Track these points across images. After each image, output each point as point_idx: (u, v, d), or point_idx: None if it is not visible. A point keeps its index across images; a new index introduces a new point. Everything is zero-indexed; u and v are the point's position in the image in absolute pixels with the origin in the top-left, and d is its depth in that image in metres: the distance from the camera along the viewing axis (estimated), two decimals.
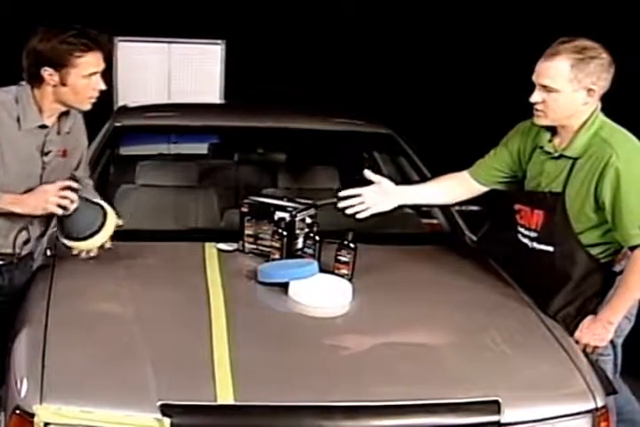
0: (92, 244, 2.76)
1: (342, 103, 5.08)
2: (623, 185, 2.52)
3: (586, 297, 2.71)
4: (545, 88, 2.57)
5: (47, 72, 2.58)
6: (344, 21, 7.55)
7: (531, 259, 2.80)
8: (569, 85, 2.54)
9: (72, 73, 2.57)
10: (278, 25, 7.54)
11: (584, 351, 2.65)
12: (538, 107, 2.62)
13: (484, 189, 2.94)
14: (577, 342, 2.65)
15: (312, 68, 7.51)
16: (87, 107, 2.69)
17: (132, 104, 4.60)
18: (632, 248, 2.58)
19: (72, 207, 2.65)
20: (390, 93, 7.28)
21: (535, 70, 2.60)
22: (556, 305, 2.73)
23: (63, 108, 2.70)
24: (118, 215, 2.85)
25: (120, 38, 7.81)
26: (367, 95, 6.92)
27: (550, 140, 2.72)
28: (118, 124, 3.85)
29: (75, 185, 2.67)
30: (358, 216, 2.84)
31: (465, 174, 2.94)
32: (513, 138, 2.87)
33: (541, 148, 2.74)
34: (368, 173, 2.89)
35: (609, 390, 2.45)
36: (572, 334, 2.68)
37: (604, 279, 2.70)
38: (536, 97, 2.60)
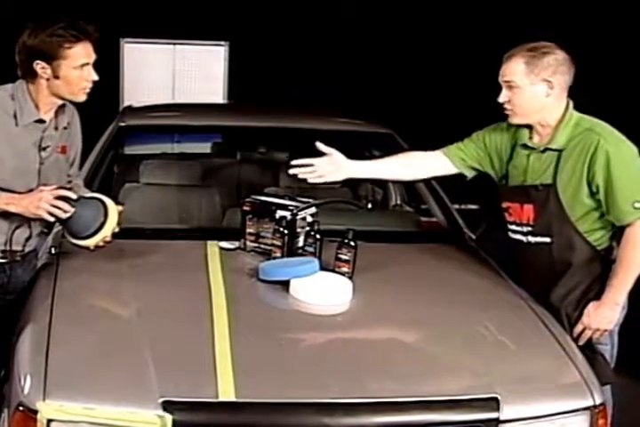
0: (101, 237, 2.74)
1: (343, 103, 5.10)
2: (614, 166, 2.64)
3: (586, 286, 2.77)
4: (508, 86, 2.75)
5: (39, 65, 2.60)
6: (344, 23, 7.57)
7: (528, 253, 2.86)
8: (527, 80, 2.71)
9: (63, 64, 2.59)
10: (280, 27, 7.58)
11: (589, 339, 2.73)
12: (506, 106, 2.79)
13: (452, 170, 3.01)
14: (584, 328, 2.73)
15: (313, 68, 7.53)
16: (82, 98, 2.69)
17: (137, 104, 4.63)
18: (625, 226, 2.68)
19: (63, 216, 2.65)
20: (390, 93, 7.29)
21: (499, 73, 2.78)
22: (558, 294, 2.79)
23: (59, 102, 2.71)
24: (116, 202, 2.84)
25: (126, 39, 7.86)
26: (367, 95, 6.94)
27: (530, 138, 2.83)
28: (123, 124, 3.87)
29: (72, 196, 2.67)
30: (310, 181, 2.95)
31: (437, 153, 3.02)
32: (491, 134, 2.97)
33: (523, 145, 2.84)
34: (319, 145, 2.95)
35: (609, 379, 2.53)
36: (575, 322, 2.75)
37: (602, 267, 2.76)
38: (502, 97, 2.78)
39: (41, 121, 2.69)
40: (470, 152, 2.98)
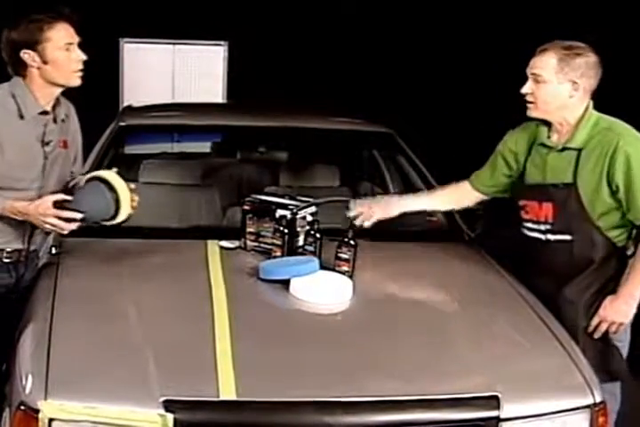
0: (128, 204, 2.71)
1: (343, 102, 5.10)
2: (634, 166, 2.68)
3: (603, 281, 2.81)
4: (535, 79, 2.78)
5: (26, 55, 2.62)
6: (344, 22, 7.57)
7: (546, 251, 2.88)
8: (555, 77, 2.75)
9: (48, 47, 2.62)
10: (279, 26, 7.58)
11: (606, 333, 2.78)
12: (528, 98, 2.81)
13: (485, 197, 3.11)
14: (601, 321, 2.78)
15: (313, 68, 7.54)
16: (76, 82, 2.70)
17: (136, 104, 4.63)
18: None
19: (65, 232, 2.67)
20: (391, 92, 7.29)
21: (529, 64, 2.82)
22: (577, 288, 2.82)
23: (56, 92, 2.72)
24: (118, 173, 2.78)
25: (126, 40, 7.88)
26: (368, 94, 6.95)
27: (549, 137, 2.86)
28: (123, 124, 3.87)
29: (77, 216, 2.62)
30: (365, 225, 3.06)
31: (466, 185, 3.11)
32: (507, 144, 3.01)
33: (542, 144, 2.87)
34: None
35: (624, 376, 2.68)
36: (592, 316, 2.79)
37: (619, 264, 2.81)
38: (526, 88, 2.81)
39: (45, 113, 2.71)
40: (493, 172, 3.04)
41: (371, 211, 3.06)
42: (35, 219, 2.63)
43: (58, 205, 2.60)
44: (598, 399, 2.32)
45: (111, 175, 2.72)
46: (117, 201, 2.68)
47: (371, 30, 7.63)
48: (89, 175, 2.81)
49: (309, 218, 3.05)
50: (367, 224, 3.06)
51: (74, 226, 2.65)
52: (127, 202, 2.71)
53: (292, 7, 7.53)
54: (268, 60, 7.63)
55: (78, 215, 2.63)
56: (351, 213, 3.04)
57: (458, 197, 3.14)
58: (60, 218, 2.61)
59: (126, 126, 3.87)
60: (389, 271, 2.94)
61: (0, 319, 2.68)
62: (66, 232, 2.68)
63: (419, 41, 7.40)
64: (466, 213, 3.37)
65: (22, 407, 2.13)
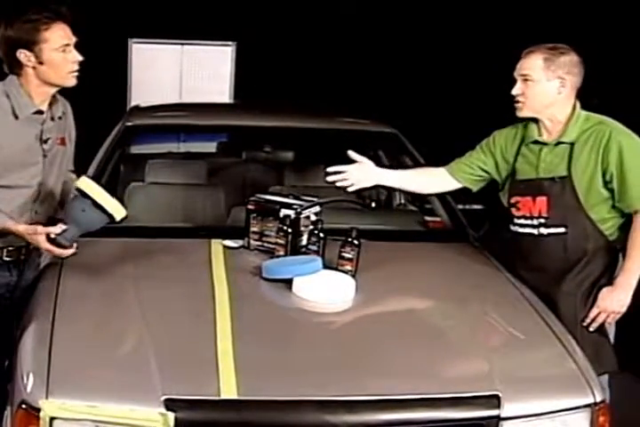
0: (116, 211, 2.62)
1: (348, 103, 5.10)
2: (626, 155, 2.78)
3: (599, 273, 2.89)
4: (524, 79, 2.89)
5: (23, 54, 2.62)
6: (349, 23, 7.59)
7: (540, 245, 2.93)
8: (544, 75, 2.86)
9: (45, 48, 2.62)
10: (286, 27, 7.60)
11: (602, 324, 2.86)
12: (519, 99, 2.92)
13: (458, 185, 3.15)
14: (599, 312, 2.84)
15: (319, 68, 7.55)
16: (71, 82, 2.71)
17: (144, 104, 4.64)
18: (636, 212, 2.81)
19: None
20: (395, 92, 7.29)
21: (516, 67, 2.93)
22: (575, 281, 2.88)
23: (52, 91, 2.73)
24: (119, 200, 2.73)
25: (134, 40, 7.90)
26: (372, 94, 6.95)
27: (540, 135, 2.94)
28: (130, 124, 3.88)
29: (66, 243, 2.61)
30: (348, 189, 3.10)
31: (440, 170, 3.16)
32: (494, 142, 3.08)
33: (534, 142, 2.95)
34: (351, 153, 3.09)
35: (614, 368, 2.78)
36: (591, 307, 2.86)
37: (612, 256, 2.89)
38: (516, 89, 2.92)
39: (40, 112, 2.71)
40: (473, 163, 3.10)
41: (349, 180, 3.05)
42: (30, 240, 2.63)
43: (51, 239, 2.58)
44: (599, 399, 2.32)
45: (82, 183, 2.64)
46: (103, 210, 2.60)
47: (375, 31, 7.64)
48: (70, 195, 2.78)
49: (313, 217, 3.05)
50: (350, 189, 3.09)
51: (69, 252, 2.63)
52: (108, 201, 2.61)
53: (299, 8, 7.54)
54: (275, 61, 7.64)
55: (67, 252, 2.61)
56: (329, 178, 3.06)
57: (426, 179, 3.18)
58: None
59: (133, 126, 3.88)
60: (392, 271, 2.93)
61: (2, 318, 2.70)
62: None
63: (421, 42, 7.40)
64: (470, 213, 3.38)
65: (23, 406, 2.13)
